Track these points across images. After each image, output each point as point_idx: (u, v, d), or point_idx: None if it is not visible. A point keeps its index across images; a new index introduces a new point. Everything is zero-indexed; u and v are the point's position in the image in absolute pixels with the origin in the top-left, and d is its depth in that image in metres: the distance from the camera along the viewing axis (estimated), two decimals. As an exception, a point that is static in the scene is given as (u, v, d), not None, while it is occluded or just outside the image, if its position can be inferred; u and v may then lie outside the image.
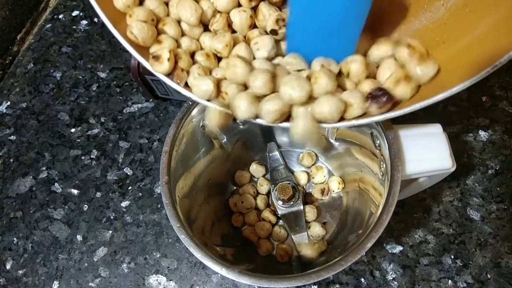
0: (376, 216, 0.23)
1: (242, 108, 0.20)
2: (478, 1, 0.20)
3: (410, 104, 0.20)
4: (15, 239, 0.36)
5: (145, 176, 0.37)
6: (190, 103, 0.27)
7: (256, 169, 0.35)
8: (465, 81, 0.18)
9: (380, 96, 0.20)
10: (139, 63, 0.34)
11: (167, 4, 0.22)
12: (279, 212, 0.32)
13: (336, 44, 0.21)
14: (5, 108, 0.42)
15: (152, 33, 0.21)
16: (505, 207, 0.34)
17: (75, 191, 0.37)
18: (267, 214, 0.33)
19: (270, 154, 0.35)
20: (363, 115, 0.21)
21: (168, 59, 0.20)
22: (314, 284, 0.32)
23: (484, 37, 0.19)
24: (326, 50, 0.21)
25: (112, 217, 0.36)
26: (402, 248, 0.33)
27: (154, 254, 0.34)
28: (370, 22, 0.23)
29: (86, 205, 0.36)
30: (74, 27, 0.46)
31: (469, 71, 0.18)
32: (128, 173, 0.38)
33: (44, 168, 0.38)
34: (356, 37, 0.20)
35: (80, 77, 0.43)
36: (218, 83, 0.21)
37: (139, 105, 0.41)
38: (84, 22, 0.47)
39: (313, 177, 0.35)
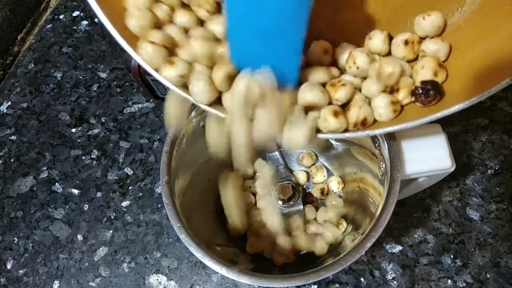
0: (375, 216, 0.23)
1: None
2: (494, 6, 0.19)
3: (428, 113, 0.19)
4: (15, 238, 0.36)
5: (145, 176, 0.37)
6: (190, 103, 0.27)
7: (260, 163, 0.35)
8: (483, 91, 0.17)
9: (428, 90, 0.19)
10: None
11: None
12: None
13: (278, 53, 0.19)
14: (6, 108, 0.42)
15: (162, 55, 0.20)
16: (504, 207, 0.34)
17: (75, 191, 0.37)
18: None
19: (270, 154, 0.35)
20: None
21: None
22: (314, 283, 0.32)
23: (501, 44, 0.18)
24: (268, 58, 0.19)
25: (112, 217, 0.36)
26: (401, 247, 0.33)
27: (155, 253, 0.34)
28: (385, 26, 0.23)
29: (86, 205, 0.37)
30: (75, 27, 0.47)
31: (486, 81, 0.17)
32: (129, 173, 0.38)
33: (44, 168, 0.39)
34: (299, 45, 0.18)
35: (81, 77, 0.43)
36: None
37: (140, 105, 0.41)
38: (85, 22, 0.47)
39: (313, 177, 0.35)
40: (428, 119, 0.19)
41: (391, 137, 0.24)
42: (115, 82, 0.43)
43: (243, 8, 0.17)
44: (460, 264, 0.32)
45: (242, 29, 0.18)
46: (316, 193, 0.34)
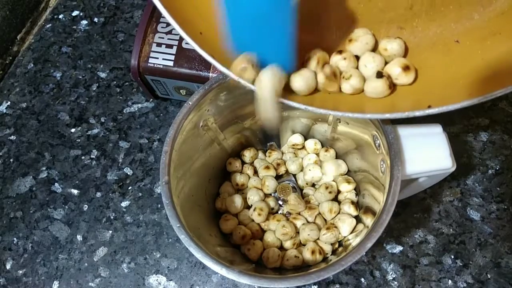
0: (376, 216, 0.23)
1: None
2: None
3: (471, 96, 0.19)
4: (15, 239, 0.36)
5: (145, 176, 0.37)
6: (190, 103, 0.27)
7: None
8: None
9: None
10: (139, 63, 0.34)
11: None
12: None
13: (270, 40, 0.20)
14: (5, 108, 0.42)
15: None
16: (505, 207, 0.34)
17: (75, 191, 0.37)
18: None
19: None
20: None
21: None
22: (314, 284, 0.32)
23: None
24: (263, 47, 0.21)
25: (112, 217, 0.36)
26: (402, 248, 0.33)
27: (154, 254, 0.34)
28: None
29: (86, 205, 0.36)
30: (74, 27, 0.46)
31: None
32: (128, 173, 0.38)
33: (44, 168, 0.38)
34: (288, 37, 0.20)
35: (80, 77, 0.43)
36: None
37: (139, 105, 0.41)
38: (84, 22, 0.47)
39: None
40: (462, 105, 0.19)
41: (388, 127, 0.24)
42: (115, 82, 0.42)
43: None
44: (461, 264, 0.32)
45: (235, 14, 0.20)
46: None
